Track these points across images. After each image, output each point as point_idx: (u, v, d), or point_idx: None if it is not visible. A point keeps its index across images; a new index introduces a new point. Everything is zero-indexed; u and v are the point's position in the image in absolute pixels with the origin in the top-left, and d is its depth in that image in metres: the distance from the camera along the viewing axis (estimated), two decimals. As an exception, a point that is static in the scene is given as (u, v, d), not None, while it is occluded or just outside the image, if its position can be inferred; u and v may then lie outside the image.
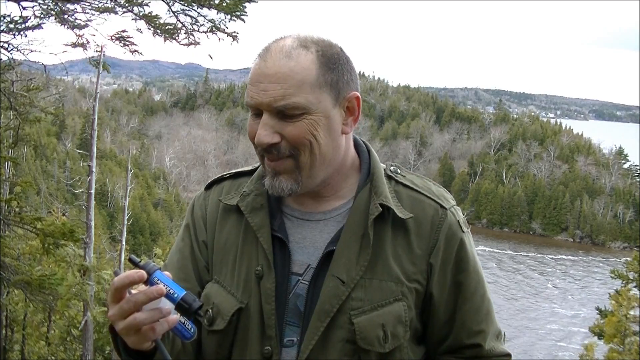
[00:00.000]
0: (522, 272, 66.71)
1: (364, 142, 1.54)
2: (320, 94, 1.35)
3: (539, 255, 73.33)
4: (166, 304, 1.22)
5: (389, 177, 1.49)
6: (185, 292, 1.23)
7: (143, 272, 1.20)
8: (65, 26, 6.86)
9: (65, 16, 6.82)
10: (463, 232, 1.46)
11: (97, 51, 7.75)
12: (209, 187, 1.60)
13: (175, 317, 1.23)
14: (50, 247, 7.51)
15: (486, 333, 1.47)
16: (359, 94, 1.43)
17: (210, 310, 1.43)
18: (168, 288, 1.21)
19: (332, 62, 1.38)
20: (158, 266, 1.24)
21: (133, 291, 1.21)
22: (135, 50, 7.57)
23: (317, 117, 1.35)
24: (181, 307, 1.23)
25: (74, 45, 7.29)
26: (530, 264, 70.30)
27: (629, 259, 20.43)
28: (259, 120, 1.36)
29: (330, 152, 1.39)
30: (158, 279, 1.22)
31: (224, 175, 1.60)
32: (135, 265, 1.23)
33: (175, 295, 1.22)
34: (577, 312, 53.54)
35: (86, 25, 7.01)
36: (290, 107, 1.32)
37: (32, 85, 7.75)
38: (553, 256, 73.08)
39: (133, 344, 1.23)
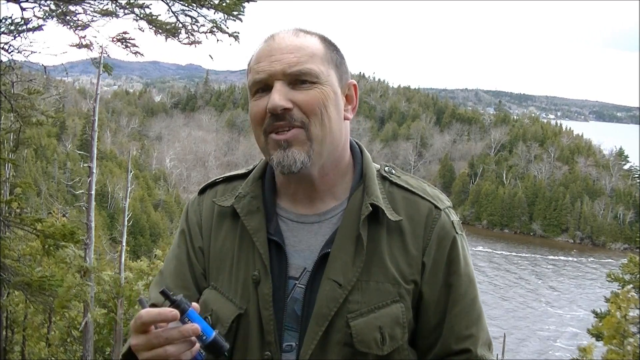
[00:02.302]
0: (522, 273, 66.62)
1: (356, 142, 1.53)
2: (328, 68, 1.39)
3: (539, 256, 73.26)
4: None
5: (384, 178, 1.47)
6: (214, 333, 1.24)
7: (177, 313, 1.20)
8: (67, 27, 6.87)
9: (67, 17, 6.83)
10: (457, 233, 1.44)
11: (100, 52, 7.77)
12: (202, 191, 1.58)
13: (197, 347, 1.24)
14: (51, 248, 7.50)
15: (476, 338, 1.42)
16: (355, 83, 1.47)
17: (209, 317, 1.42)
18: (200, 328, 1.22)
19: (334, 46, 1.45)
20: (190, 304, 1.23)
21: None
22: (137, 52, 7.58)
23: (327, 90, 1.37)
24: (209, 348, 1.24)
25: (78, 46, 7.31)
26: (531, 265, 70.24)
27: (624, 260, 20.40)
28: (265, 97, 1.36)
29: (336, 130, 1.39)
30: (189, 319, 1.21)
31: (217, 179, 1.59)
32: (168, 299, 1.22)
33: (205, 338, 1.23)
34: (576, 313, 53.46)
35: (88, 26, 7.03)
36: (304, 72, 1.35)
37: (33, 88, 7.76)
38: (553, 257, 73.02)
39: None
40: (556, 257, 72.80)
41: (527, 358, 42.85)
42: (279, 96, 1.33)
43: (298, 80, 1.35)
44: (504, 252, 73.61)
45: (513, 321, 50.25)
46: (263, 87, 1.37)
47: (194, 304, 1.24)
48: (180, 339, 1.19)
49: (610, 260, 68.10)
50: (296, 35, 1.40)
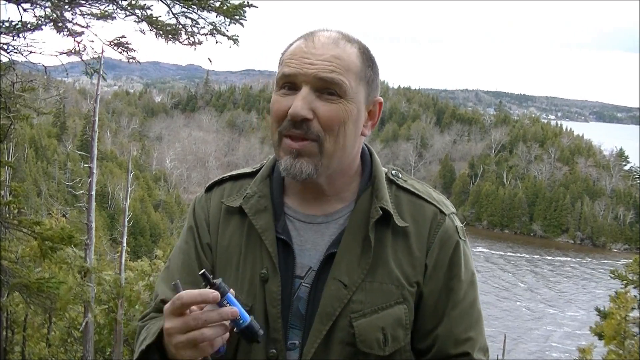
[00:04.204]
0: (522, 274, 66.67)
1: (366, 145, 1.53)
2: (359, 85, 1.38)
3: (539, 257, 73.29)
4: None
5: (390, 181, 1.48)
6: (249, 318, 1.24)
7: (217, 294, 1.20)
8: (62, 34, 6.84)
9: (64, 23, 6.80)
10: (460, 238, 1.45)
11: (93, 57, 7.71)
12: (209, 189, 1.58)
13: (226, 336, 1.24)
14: (49, 251, 7.47)
15: (475, 342, 1.42)
16: (382, 100, 1.47)
17: None
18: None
19: (371, 61, 1.43)
20: (229, 288, 1.23)
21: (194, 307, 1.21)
22: (133, 57, 7.55)
23: (351, 107, 1.36)
24: (244, 333, 1.24)
25: (70, 52, 7.25)
26: (530, 265, 70.27)
27: (630, 260, 20.37)
28: (290, 96, 1.35)
29: (350, 146, 1.40)
30: (227, 302, 1.21)
31: (224, 177, 1.59)
32: (208, 282, 1.22)
33: (241, 322, 1.23)
34: (575, 313, 53.55)
35: (83, 33, 7.01)
36: (335, 83, 1.33)
37: (29, 86, 7.72)
38: (553, 258, 73.05)
39: (187, 357, 1.22)
40: (556, 258, 72.83)
41: (526, 358, 42.85)
42: (302, 104, 1.32)
43: (326, 89, 1.34)
44: (503, 253, 73.64)
45: (511, 321, 50.28)
46: (290, 84, 1.36)
47: (231, 289, 1.24)
48: (219, 321, 1.20)
49: (606, 260, 68.26)
50: (336, 44, 1.37)
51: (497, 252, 73.55)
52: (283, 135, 1.36)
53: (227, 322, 1.22)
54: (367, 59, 1.41)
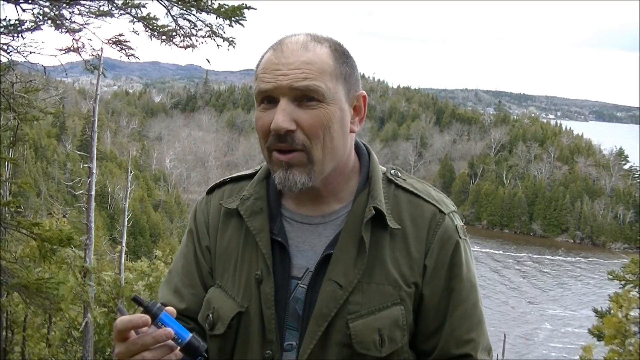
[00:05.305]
0: (521, 274, 66.67)
1: (364, 144, 1.53)
2: (336, 84, 1.36)
3: (539, 256, 73.27)
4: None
5: (389, 181, 1.47)
6: (190, 335, 1.25)
7: (147, 318, 1.22)
8: (60, 30, 6.81)
9: (59, 22, 6.77)
10: (460, 237, 1.44)
11: (92, 55, 7.67)
12: (210, 191, 1.59)
13: (178, 351, 1.25)
14: (47, 252, 7.45)
15: (477, 343, 1.41)
16: (365, 94, 1.45)
17: (210, 315, 1.43)
18: (174, 331, 1.24)
19: (345, 57, 1.41)
20: (163, 308, 1.25)
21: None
22: (132, 55, 7.50)
23: (333, 109, 1.35)
24: (186, 350, 1.25)
25: (68, 50, 7.21)
26: (530, 265, 70.25)
27: (626, 260, 20.37)
28: (271, 110, 1.35)
29: (340, 147, 1.39)
30: (162, 323, 1.23)
31: (225, 179, 1.60)
32: (141, 305, 1.24)
33: (180, 340, 1.24)
34: (574, 312, 53.54)
35: (81, 29, 6.97)
36: (311, 90, 1.32)
37: (31, 86, 7.72)
38: (553, 257, 73.04)
39: None
40: (556, 257, 72.81)
41: (527, 358, 42.87)
42: (282, 117, 1.31)
43: (304, 97, 1.33)
44: (503, 252, 73.61)
45: (510, 320, 50.28)
46: (269, 98, 1.36)
47: (169, 308, 1.26)
48: (154, 344, 1.22)
49: (598, 259, 68.39)
50: (305, 48, 1.35)
51: (497, 252, 73.51)
52: (272, 150, 1.36)
53: (169, 342, 1.23)
54: (340, 56, 1.40)
